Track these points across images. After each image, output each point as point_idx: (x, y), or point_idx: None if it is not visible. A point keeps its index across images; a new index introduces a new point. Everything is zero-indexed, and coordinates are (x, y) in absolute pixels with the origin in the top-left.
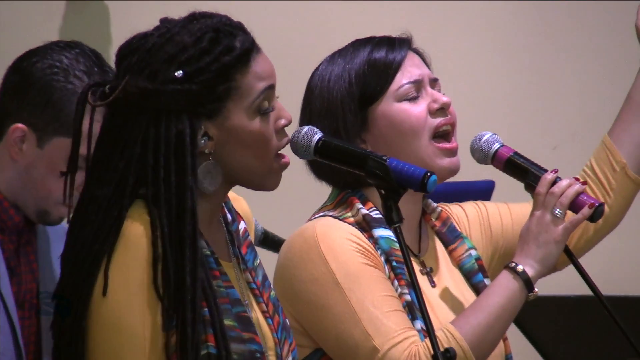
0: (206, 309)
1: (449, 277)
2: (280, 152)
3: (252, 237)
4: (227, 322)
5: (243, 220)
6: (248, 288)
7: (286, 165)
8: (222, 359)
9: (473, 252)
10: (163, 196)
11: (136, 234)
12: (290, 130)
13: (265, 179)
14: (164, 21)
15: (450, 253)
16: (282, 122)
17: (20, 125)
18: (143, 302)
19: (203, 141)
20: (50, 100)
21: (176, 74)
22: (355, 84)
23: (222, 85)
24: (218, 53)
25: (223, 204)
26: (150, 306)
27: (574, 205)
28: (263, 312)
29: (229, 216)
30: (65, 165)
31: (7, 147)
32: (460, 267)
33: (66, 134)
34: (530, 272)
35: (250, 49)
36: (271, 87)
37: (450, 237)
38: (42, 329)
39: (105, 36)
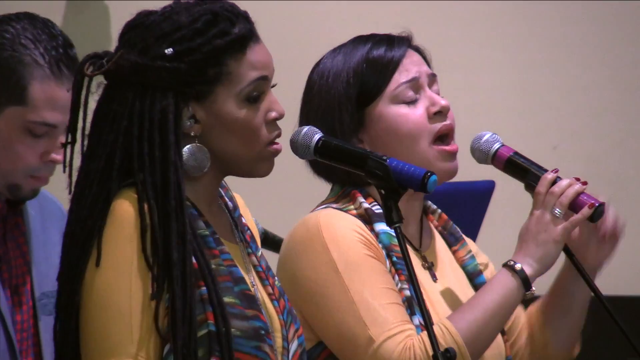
0: (204, 288)
1: (452, 273)
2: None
3: (254, 232)
4: (228, 299)
5: (242, 216)
6: (254, 270)
7: (277, 151)
8: (222, 335)
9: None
10: (147, 170)
11: (124, 209)
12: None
13: (254, 165)
14: (176, 2)
15: (453, 253)
16: (273, 114)
17: None
18: (131, 276)
19: (189, 123)
20: None
21: (166, 51)
22: (353, 84)
23: (212, 68)
24: (211, 35)
25: (223, 194)
26: (140, 277)
27: (574, 205)
28: (269, 294)
29: (230, 204)
30: (21, 134)
31: None
32: (463, 267)
33: (17, 103)
34: (528, 270)
35: (248, 36)
36: (264, 78)
37: (452, 239)
38: (38, 312)
39: (105, 36)
